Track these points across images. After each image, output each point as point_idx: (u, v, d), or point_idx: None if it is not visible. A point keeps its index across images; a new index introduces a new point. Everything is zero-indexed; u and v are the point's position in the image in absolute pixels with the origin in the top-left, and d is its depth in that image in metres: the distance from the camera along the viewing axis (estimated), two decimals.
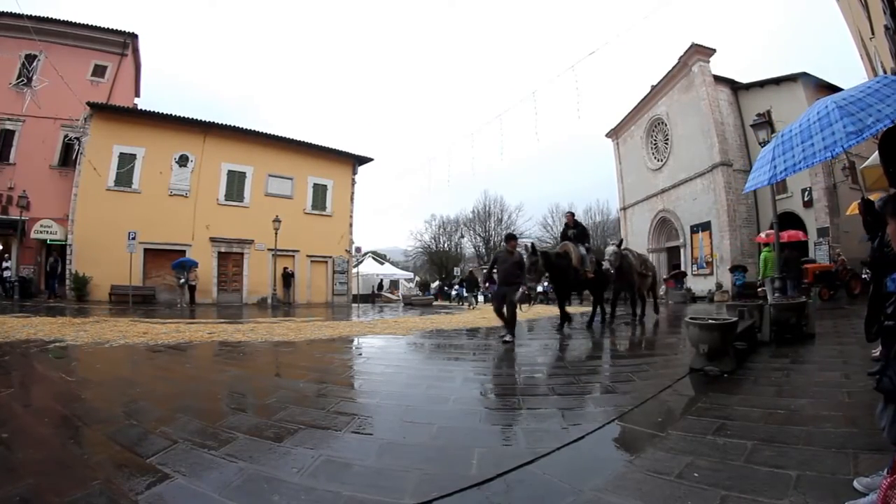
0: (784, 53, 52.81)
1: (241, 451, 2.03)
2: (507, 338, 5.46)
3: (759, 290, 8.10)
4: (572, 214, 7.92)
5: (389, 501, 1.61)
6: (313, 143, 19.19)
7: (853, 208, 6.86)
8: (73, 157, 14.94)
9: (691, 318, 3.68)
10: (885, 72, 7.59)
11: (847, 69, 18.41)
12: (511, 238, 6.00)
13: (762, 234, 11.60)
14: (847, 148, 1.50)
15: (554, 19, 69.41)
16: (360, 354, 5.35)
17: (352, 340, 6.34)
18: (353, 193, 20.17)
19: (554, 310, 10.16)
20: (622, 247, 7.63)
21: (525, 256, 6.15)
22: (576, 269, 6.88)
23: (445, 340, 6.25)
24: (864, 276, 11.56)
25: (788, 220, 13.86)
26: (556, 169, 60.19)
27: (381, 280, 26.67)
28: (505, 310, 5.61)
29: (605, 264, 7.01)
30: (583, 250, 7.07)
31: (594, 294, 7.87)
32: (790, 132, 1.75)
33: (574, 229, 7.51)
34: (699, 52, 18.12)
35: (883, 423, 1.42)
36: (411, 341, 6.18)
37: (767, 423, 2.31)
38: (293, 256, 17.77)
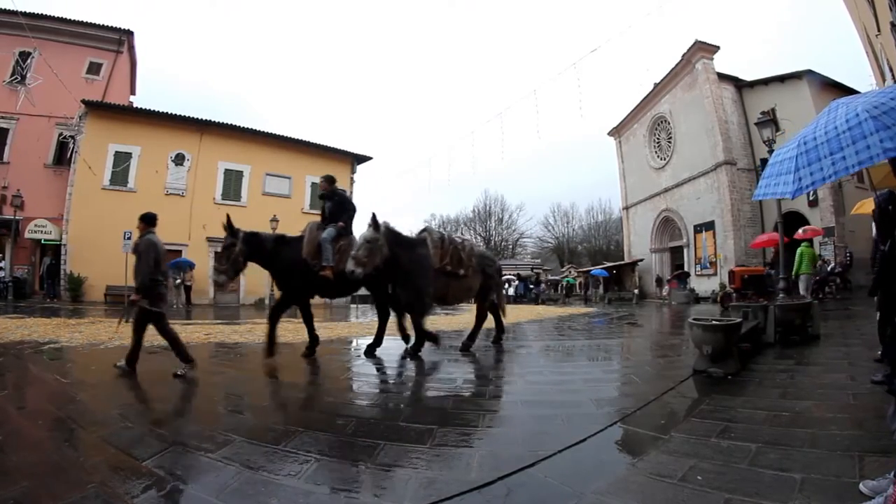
0: (789, 50, 52.71)
1: (238, 454, 2.01)
2: (180, 371, 3.70)
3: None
4: (328, 180, 5.11)
5: None
6: (311, 141, 19.14)
7: (859, 207, 6.73)
8: (68, 155, 14.83)
9: (695, 319, 3.68)
10: (890, 69, 7.58)
11: (852, 67, 18.45)
12: (142, 219, 3.99)
13: (800, 231, 11.40)
14: (883, 160, 1.41)
15: (555, 16, 69.44)
16: (359, 356, 5.31)
17: (350, 342, 6.32)
18: (351, 193, 20.10)
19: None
20: (382, 228, 4.40)
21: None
22: (306, 262, 4.53)
23: (445, 342, 6.21)
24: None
25: (793, 220, 13.85)
26: (558, 168, 60.09)
27: None
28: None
29: (350, 264, 4.14)
30: (326, 234, 4.61)
31: (376, 302, 5.32)
32: (814, 140, 1.63)
33: (330, 201, 5.00)
34: (703, 50, 18.12)
35: (895, 426, 1.40)
36: (410, 342, 6.15)
37: (772, 426, 2.30)
38: None
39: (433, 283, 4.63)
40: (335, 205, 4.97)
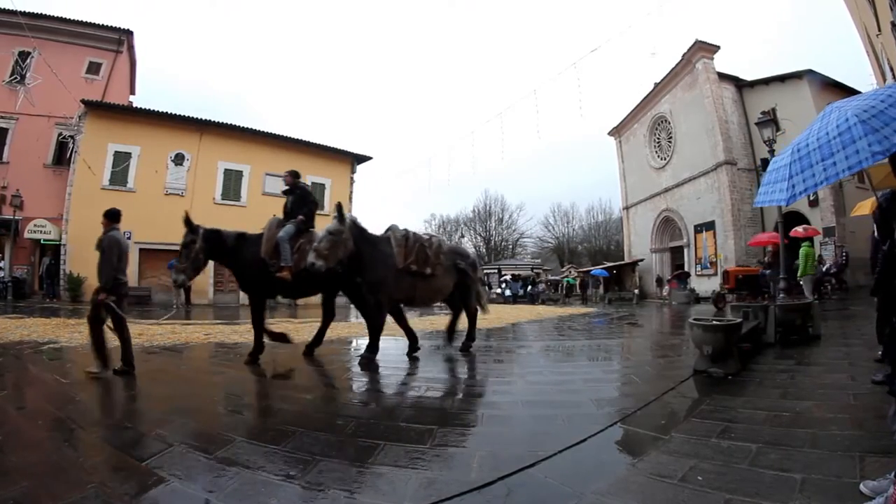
0: (789, 51, 52.71)
1: (237, 455, 2.01)
2: (93, 369, 3.58)
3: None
4: (293, 174, 4.99)
5: None
6: (311, 141, 19.14)
7: (857, 209, 6.70)
8: (68, 155, 14.82)
9: (695, 319, 3.68)
10: (891, 69, 7.58)
11: (853, 67, 18.44)
12: (105, 215, 3.99)
13: (800, 229, 10.96)
14: (870, 164, 1.44)
15: (556, 15, 69.44)
16: (359, 356, 5.31)
17: (350, 342, 6.30)
18: (351, 192, 20.10)
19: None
20: (348, 221, 4.23)
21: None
22: (264, 261, 4.32)
23: (443, 342, 6.21)
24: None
25: (794, 220, 13.82)
26: (558, 167, 59.97)
27: None
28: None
29: (310, 256, 3.92)
30: (284, 232, 4.38)
31: (359, 307, 4.98)
32: (807, 147, 1.66)
33: (292, 195, 4.86)
34: (703, 49, 18.09)
35: (895, 427, 1.40)
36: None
37: (772, 426, 2.30)
38: None
39: (397, 285, 4.38)
40: (296, 199, 4.79)
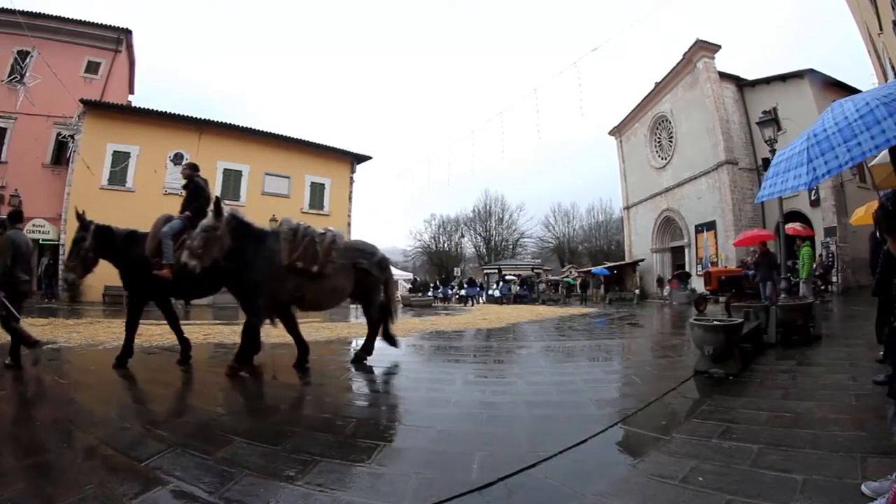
0: (790, 50, 52.65)
1: (236, 455, 2.00)
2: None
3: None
4: (191, 167, 4.68)
5: None
6: (310, 141, 19.11)
7: (857, 217, 6.61)
8: (66, 155, 14.80)
9: (696, 320, 3.67)
10: (893, 68, 7.58)
11: (854, 66, 18.41)
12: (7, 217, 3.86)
13: (799, 227, 10.47)
14: None
15: (556, 15, 69.43)
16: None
17: (350, 342, 6.29)
18: (351, 192, 20.09)
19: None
20: (225, 216, 3.86)
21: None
22: (147, 259, 4.06)
23: (445, 342, 6.22)
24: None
25: (795, 220, 13.76)
26: (558, 167, 59.92)
27: None
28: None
29: (184, 255, 3.68)
30: (168, 228, 4.12)
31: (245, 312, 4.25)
32: (824, 132, 1.65)
33: (187, 189, 4.57)
34: (704, 49, 18.07)
35: (895, 428, 1.40)
36: (410, 343, 6.12)
37: (773, 427, 2.29)
38: None
39: (281, 284, 3.95)
40: (189, 193, 4.48)
